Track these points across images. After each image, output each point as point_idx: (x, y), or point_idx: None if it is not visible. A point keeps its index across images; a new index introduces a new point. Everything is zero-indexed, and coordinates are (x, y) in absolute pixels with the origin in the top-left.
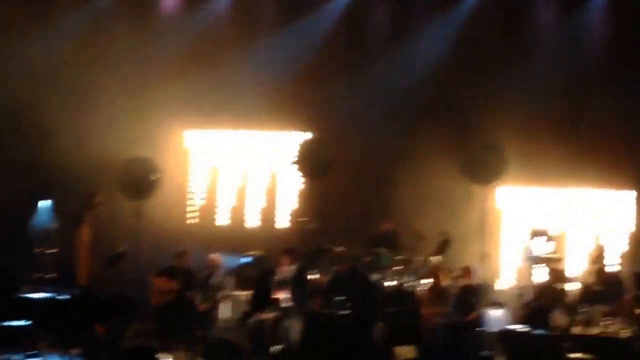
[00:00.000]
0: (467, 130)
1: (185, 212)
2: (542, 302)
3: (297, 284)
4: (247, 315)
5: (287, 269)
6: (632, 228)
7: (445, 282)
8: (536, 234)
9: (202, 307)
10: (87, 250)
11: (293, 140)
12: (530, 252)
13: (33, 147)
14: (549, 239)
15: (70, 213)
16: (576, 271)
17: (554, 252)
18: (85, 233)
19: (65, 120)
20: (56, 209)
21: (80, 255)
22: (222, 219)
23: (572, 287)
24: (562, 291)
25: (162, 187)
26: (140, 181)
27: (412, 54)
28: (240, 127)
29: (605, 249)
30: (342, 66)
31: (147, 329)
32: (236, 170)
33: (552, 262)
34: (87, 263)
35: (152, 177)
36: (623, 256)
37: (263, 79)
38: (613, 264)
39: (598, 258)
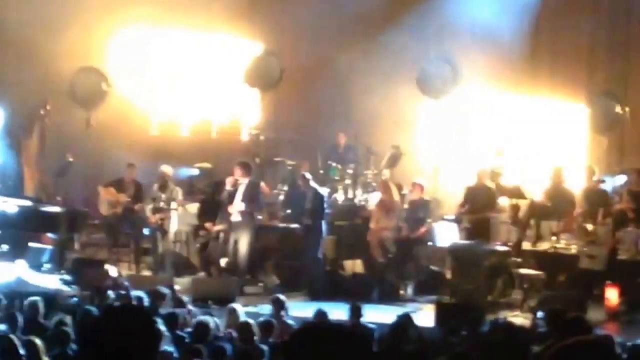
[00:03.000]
0: (421, 43)
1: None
2: (488, 216)
3: (248, 197)
4: (196, 228)
5: (238, 182)
6: (583, 142)
7: (395, 196)
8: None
9: (152, 219)
10: (34, 161)
11: (244, 49)
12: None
13: None
14: (499, 152)
15: (19, 123)
16: (526, 184)
17: (501, 167)
18: (33, 143)
19: (13, 31)
20: (5, 119)
21: (28, 166)
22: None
23: (520, 201)
24: (512, 206)
25: (112, 97)
26: (90, 91)
27: None
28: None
29: (562, 168)
30: None
31: (94, 241)
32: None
33: (493, 176)
34: (35, 173)
35: (103, 87)
36: (574, 171)
37: None
38: (565, 179)
39: (554, 176)
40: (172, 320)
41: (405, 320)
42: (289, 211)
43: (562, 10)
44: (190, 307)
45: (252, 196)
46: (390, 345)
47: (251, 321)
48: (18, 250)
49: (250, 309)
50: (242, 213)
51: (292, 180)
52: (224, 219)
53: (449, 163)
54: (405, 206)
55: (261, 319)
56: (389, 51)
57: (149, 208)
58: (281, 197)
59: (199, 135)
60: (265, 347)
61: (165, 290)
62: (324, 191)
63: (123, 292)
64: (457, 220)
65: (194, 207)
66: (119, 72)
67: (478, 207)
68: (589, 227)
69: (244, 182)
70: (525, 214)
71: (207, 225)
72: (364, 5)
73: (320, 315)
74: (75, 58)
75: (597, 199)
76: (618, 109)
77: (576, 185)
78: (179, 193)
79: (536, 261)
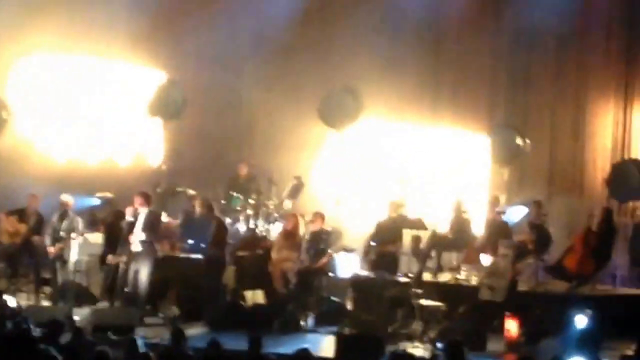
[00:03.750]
0: (325, 72)
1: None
2: (390, 248)
3: (148, 226)
4: (99, 258)
5: (138, 211)
6: (485, 174)
7: (297, 227)
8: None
9: (52, 249)
10: None
11: (145, 77)
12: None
13: None
14: (400, 182)
15: None
16: (428, 216)
17: (404, 198)
18: None
19: None
20: None
21: None
22: (66, 157)
23: (421, 233)
24: (413, 237)
25: (12, 125)
26: None
27: None
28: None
29: (463, 199)
30: (202, 6)
31: None
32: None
33: (397, 207)
34: None
35: (3, 115)
36: (475, 202)
37: (119, 9)
38: (465, 210)
39: (453, 204)
40: (71, 351)
41: (303, 354)
42: (190, 241)
43: (464, 41)
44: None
45: (152, 226)
46: None
47: (150, 353)
48: None
49: (151, 339)
50: (142, 243)
51: (191, 210)
52: (124, 248)
53: (351, 194)
54: (307, 237)
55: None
56: (291, 80)
57: (48, 238)
58: (181, 228)
59: (103, 165)
60: None
61: (64, 320)
62: (226, 221)
63: (21, 322)
64: (365, 253)
65: (94, 237)
66: (19, 100)
67: (385, 239)
68: (489, 258)
69: (143, 211)
70: (426, 245)
71: (108, 257)
72: (267, 31)
73: (214, 345)
74: None
75: (497, 230)
76: (519, 141)
77: (479, 216)
78: (79, 222)
79: (437, 292)
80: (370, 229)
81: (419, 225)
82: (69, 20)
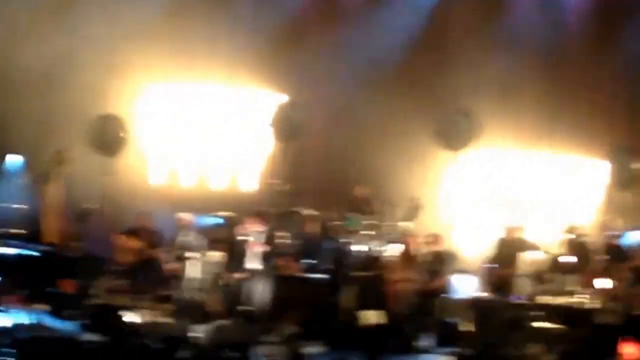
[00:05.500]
0: (440, 95)
1: (153, 172)
2: (508, 271)
3: (264, 245)
4: (218, 276)
5: (256, 232)
6: (602, 197)
7: (414, 248)
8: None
9: (170, 266)
10: (54, 207)
11: (265, 101)
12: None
13: (2, 101)
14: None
15: (39, 169)
16: (545, 240)
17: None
18: (53, 189)
19: (35, 75)
20: (25, 164)
21: (48, 212)
22: (189, 180)
23: (538, 256)
24: (532, 261)
25: (131, 145)
26: (109, 138)
27: (386, 19)
28: (212, 83)
29: (576, 220)
30: (318, 31)
31: (114, 287)
32: (205, 129)
33: (514, 231)
34: (55, 220)
35: (122, 134)
36: (592, 226)
37: (239, 38)
38: (583, 234)
39: (570, 228)
40: None
41: None
42: (309, 261)
43: (582, 65)
44: None
45: (270, 244)
46: None
47: None
48: (38, 296)
49: (269, 357)
50: (260, 261)
51: (307, 231)
52: (243, 267)
53: (467, 215)
54: (423, 258)
55: None
56: (408, 101)
57: (168, 255)
58: (297, 248)
59: (224, 187)
60: None
61: (182, 336)
62: (344, 242)
63: (142, 338)
64: (484, 275)
65: (213, 255)
66: (141, 122)
67: (504, 262)
68: (607, 282)
69: (261, 230)
70: (543, 268)
71: (228, 275)
72: (383, 54)
73: None
74: (95, 105)
75: (614, 254)
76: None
77: (594, 241)
78: (199, 240)
79: (554, 315)
80: (487, 252)
81: (536, 248)
82: (191, 47)
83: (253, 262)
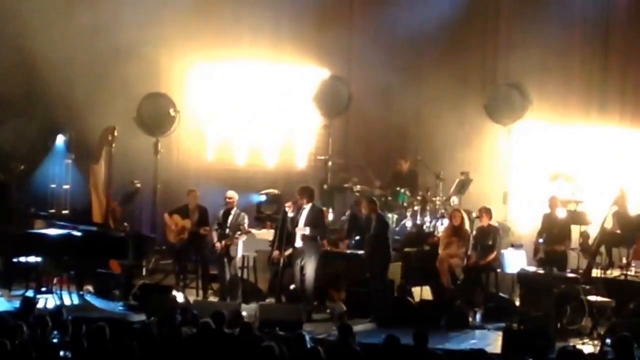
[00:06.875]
0: (490, 68)
1: (202, 150)
2: (559, 245)
3: (311, 222)
4: (266, 254)
5: (302, 207)
6: None
7: (464, 222)
8: (556, 176)
9: (219, 245)
10: (102, 187)
11: (311, 76)
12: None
13: (50, 82)
14: (568, 181)
15: (87, 149)
16: (597, 214)
17: (573, 194)
18: (100, 169)
19: (84, 55)
20: (72, 144)
21: (96, 192)
22: (239, 158)
23: (592, 230)
24: (582, 233)
25: (180, 123)
26: (159, 117)
27: None
28: (258, 60)
29: (627, 192)
30: (364, 4)
31: (162, 267)
32: (253, 106)
33: (565, 204)
34: (102, 199)
35: (171, 113)
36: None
37: (284, 14)
38: (634, 207)
39: (620, 201)
40: (238, 345)
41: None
42: (357, 237)
43: (631, 37)
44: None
45: (316, 221)
46: None
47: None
48: (85, 276)
49: (318, 335)
50: (305, 238)
51: (357, 207)
52: (289, 244)
53: (518, 190)
54: (474, 233)
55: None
56: (457, 75)
57: (215, 234)
58: (347, 224)
59: (265, 163)
60: None
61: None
62: (388, 217)
63: (190, 318)
64: (535, 251)
65: (260, 233)
66: (189, 101)
67: (554, 238)
68: None
69: (307, 207)
70: (595, 241)
71: (274, 253)
72: (431, 28)
73: (392, 341)
74: (143, 84)
75: None
76: None
77: None
78: (245, 219)
79: (606, 288)
80: (538, 226)
81: (587, 221)
82: (237, 26)
83: (297, 239)
